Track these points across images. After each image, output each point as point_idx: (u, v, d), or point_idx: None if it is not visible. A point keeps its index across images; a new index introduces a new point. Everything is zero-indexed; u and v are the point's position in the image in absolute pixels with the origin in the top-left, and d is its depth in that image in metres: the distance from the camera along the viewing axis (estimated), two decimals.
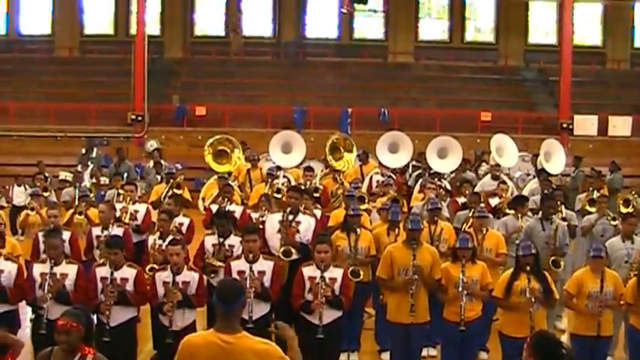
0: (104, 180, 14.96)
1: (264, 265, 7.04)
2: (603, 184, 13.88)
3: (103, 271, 6.85)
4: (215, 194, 10.71)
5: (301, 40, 26.71)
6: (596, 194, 11.46)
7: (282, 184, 11.47)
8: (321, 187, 11.81)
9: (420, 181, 12.31)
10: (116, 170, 15.14)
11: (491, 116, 22.17)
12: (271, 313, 7.14)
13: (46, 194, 11.91)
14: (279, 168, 12.54)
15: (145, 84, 21.36)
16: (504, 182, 11.67)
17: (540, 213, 9.10)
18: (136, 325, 7.20)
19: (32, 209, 10.08)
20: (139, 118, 21.54)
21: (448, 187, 12.33)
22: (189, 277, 6.86)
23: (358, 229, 8.18)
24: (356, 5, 23.99)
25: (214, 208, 9.84)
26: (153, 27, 24.87)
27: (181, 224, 9.25)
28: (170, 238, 7.79)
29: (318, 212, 9.68)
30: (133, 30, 22.95)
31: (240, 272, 6.92)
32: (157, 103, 22.44)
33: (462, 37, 27.39)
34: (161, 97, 23.21)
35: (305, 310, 6.85)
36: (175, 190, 11.03)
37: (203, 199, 11.69)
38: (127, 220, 9.67)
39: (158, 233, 8.47)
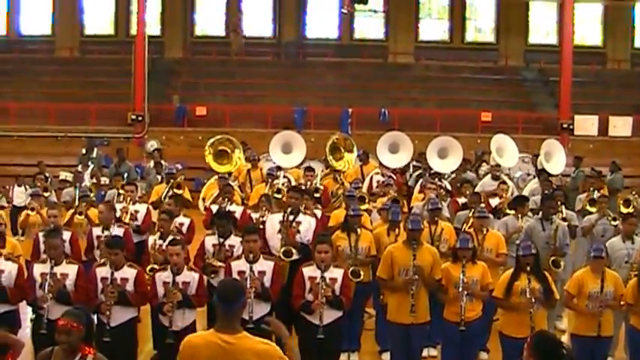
0: (104, 180, 14.96)
1: (265, 266, 7.03)
2: (604, 184, 13.87)
3: (103, 271, 6.85)
4: (215, 194, 10.71)
5: (302, 41, 26.70)
6: (596, 194, 11.46)
7: (283, 185, 11.48)
8: (322, 187, 11.81)
9: (421, 181, 12.31)
10: (116, 170, 15.13)
11: (491, 116, 22.16)
12: (271, 314, 7.13)
13: (46, 194, 11.91)
14: (279, 168, 12.55)
15: (145, 84, 21.36)
16: (505, 182, 11.68)
17: (540, 213, 9.10)
18: (137, 325, 7.20)
19: (32, 209, 10.08)
20: (140, 119, 21.54)
21: (448, 187, 12.33)
22: (190, 277, 6.85)
23: (359, 230, 8.19)
24: (356, 5, 23.99)
25: (215, 208, 9.84)
26: (153, 27, 24.87)
27: (182, 224, 9.25)
28: (170, 238, 7.79)
29: (318, 212, 9.68)
30: (134, 30, 22.94)
31: (241, 272, 6.91)
32: (158, 104, 22.44)
33: (462, 38, 27.38)
34: (161, 97, 23.20)
35: (305, 310, 6.85)
36: (176, 191, 11.02)
37: (203, 200, 11.69)
38: (127, 221, 9.67)
39: (158, 233, 8.46)
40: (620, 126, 22.44)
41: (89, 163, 16.86)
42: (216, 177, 12.10)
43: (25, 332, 7.51)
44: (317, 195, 10.99)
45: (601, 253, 7.12)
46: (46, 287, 6.70)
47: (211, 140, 13.16)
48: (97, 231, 8.77)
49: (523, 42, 27.00)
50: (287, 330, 4.65)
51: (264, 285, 6.93)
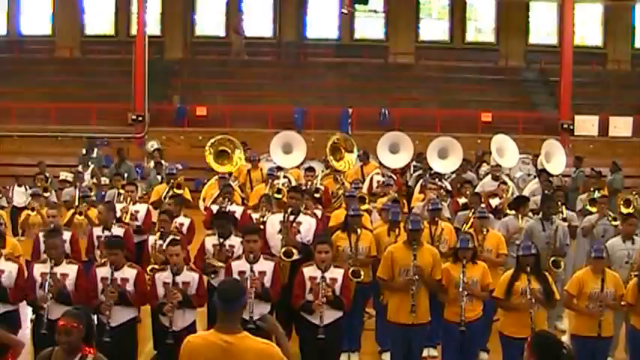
0: (105, 180, 14.97)
1: (265, 266, 7.03)
2: (604, 184, 13.88)
3: (103, 272, 6.84)
4: (215, 194, 10.71)
5: (302, 41, 26.69)
6: (596, 194, 11.46)
7: (283, 185, 11.47)
8: (322, 187, 11.82)
9: (421, 181, 12.31)
10: (117, 170, 15.12)
11: (491, 117, 22.16)
12: (272, 314, 7.13)
13: (46, 194, 11.93)
14: (279, 168, 12.56)
15: (145, 84, 21.34)
16: (505, 183, 11.68)
17: (541, 213, 9.10)
18: (137, 325, 7.20)
19: (33, 209, 10.08)
20: (140, 119, 21.53)
21: (449, 187, 12.33)
22: (190, 277, 6.85)
23: (359, 230, 8.19)
24: (356, 6, 24.01)
25: (215, 208, 9.84)
26: (153, 27, 24.83)
27: (182, 224, 9.26)
28: (170, 238, 7.79)
29: (318, 213, 9.68)
30: (134, 30, 22.91)
31: (241, 272, 6.91)
32: (158, 104, 22.44)
33: (462, 38, 27.36)
34: (162, 97, 23.20)
35: (306, 310, 6.85)
36: (176, 191, 11.03)
37: (204, 200, 11.70)
38: (127, 221, 9.67)
39: (159, 233, 8.46)
40: (621, 126, 22.44)
41: (89, 163, 16.85)
42: (216, 177, 12.10)
43: (26, 332, 7.51)
44: (317, 195, 11.00)
45: (601, 254, 7.12)
46: (46, 287, 6.70)
47: (211, 140, 13.17)
48: (97, 231, 8.77)
49: (523, 42, 26.97)
50: (287, 330, 4.65)
51: (264, 285, 6.93)
